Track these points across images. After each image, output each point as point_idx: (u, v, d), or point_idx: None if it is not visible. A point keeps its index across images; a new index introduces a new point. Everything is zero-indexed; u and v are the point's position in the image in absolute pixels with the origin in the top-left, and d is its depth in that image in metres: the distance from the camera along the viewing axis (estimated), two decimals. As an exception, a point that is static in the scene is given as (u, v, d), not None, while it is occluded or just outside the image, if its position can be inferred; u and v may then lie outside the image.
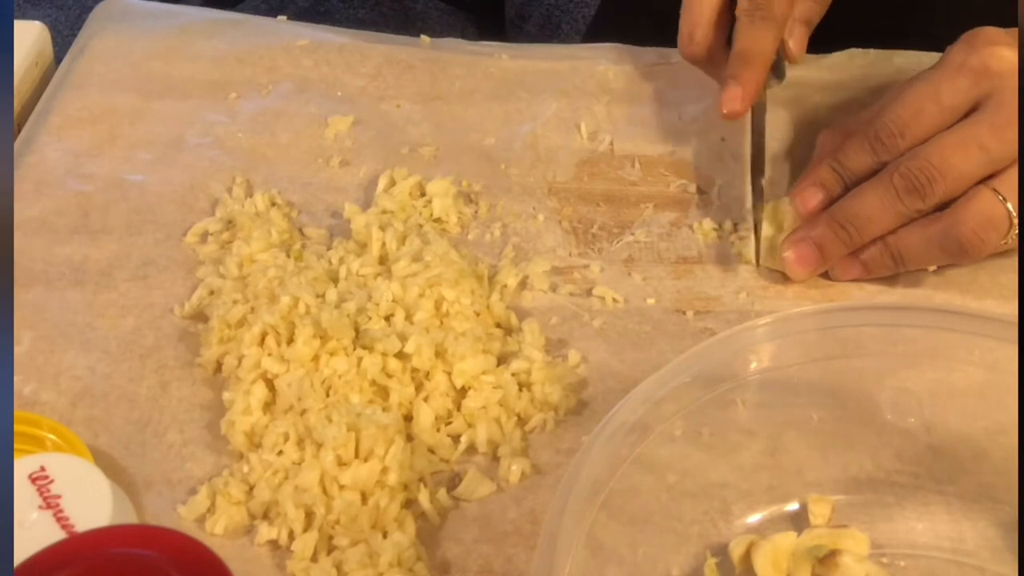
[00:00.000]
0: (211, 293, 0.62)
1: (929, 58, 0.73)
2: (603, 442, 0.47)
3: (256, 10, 0.87)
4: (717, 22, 0.65)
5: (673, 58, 0.76)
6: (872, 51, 0.75)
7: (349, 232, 0.64)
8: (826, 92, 0.73)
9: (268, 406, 0.56)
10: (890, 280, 0.62)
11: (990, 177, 0.58)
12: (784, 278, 0.63)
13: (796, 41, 0.66)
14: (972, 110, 0.59)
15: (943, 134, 0.59)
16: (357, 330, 0.58)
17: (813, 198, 0.62)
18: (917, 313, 0.52)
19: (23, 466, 0.50)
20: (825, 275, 0.63)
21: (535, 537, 0.46)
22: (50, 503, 0.49)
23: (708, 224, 0.66)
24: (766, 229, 0.63)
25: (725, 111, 0.62)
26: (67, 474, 0.50)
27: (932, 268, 0.62)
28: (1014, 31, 0.59)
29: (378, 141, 0.71)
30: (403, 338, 0.57)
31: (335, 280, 0.61)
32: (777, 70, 0.66)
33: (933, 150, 0.58)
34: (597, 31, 0.83)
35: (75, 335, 0.60)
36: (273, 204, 0.67)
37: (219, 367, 0.59)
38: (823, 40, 0.69)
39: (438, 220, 0.66)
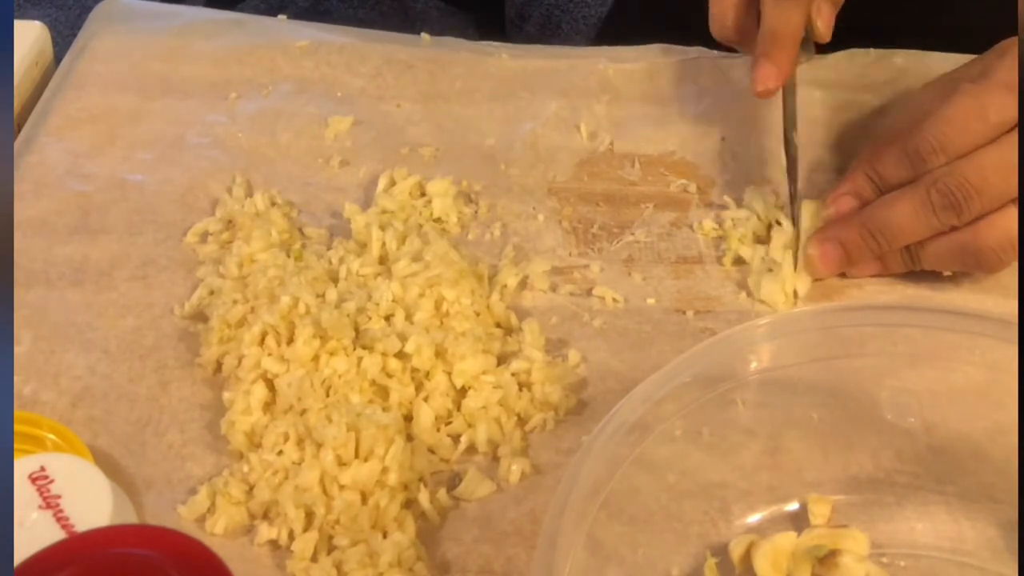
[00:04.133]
0: (211, 293, 0.62)
1: (931, 58, 0.73)
2: (603, 442, 0.47)
3: (256, 10, 0.87)
4: (747, 1, 0.65)
5: (673, 56, 0.76)
6: (872, 51, 0.75)
7: (349, 232, 0.65)
8: (827, 91, 0.73)
9: (268, 406, 0.56)
10: (890, 280, 0.62)
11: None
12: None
13: (823, 19, 0.65)
14: (1015, 124, 0.58)
15: (982, 151, 0.58)
16: (357, 330, 0.58)
17: (847, 206, 0.62)
18: (917, 313, 0.52)
19: (23, 466, 0.50)
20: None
21: (535, 537, 0.46)
22: (50, 503, 0.49)
23: (708, 224, 0.66)
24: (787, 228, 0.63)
25: (759, 89, 0.62)
26: (67, 474, 0.50)
27: (948, 273, 0.61)
28: None
29: (378, 141, 0.71)
30: (403, 338, 0.57)
31: (335, 280, 0.61)
32: (805, 47, 0.65)
33: (972, 168, 0.58)
34: (606, 35, 0.83)
35: (75, 335, 0.60)
36: (273, 204, 0.67)
37: (219, 367, 0.59)
38: None
39: (438, 220, 0.66)
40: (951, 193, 0.58)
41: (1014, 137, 0.58)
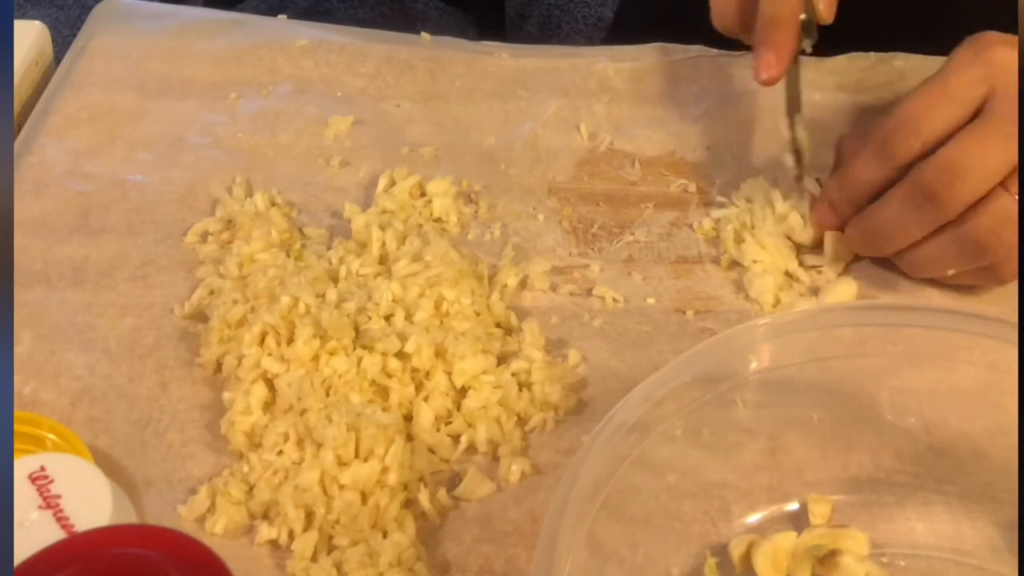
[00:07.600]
0: (211, 293, 0.62)
1: (931, 61, 0.73)
2: (603, 442, 0.47)
3: (256, 10, 0.87)
4: None
5: (673, 56, 0.76)
6: (872, 54, 0.75)
7: (349, 232, 0.65)
8: (826, 94, 0.73)
9: (268, 406, 0.56)
10: (890, 280, 0.62)
11: (1005, 179, 0.56)
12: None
13: (825, 2, 0.64)
14: (983, 104, 0.57)
15: (960, 133, 0.56)
16: (357, 330, 0.58)
17: (826, 218, 0.62)
18: (917, 313, 0.52)
19: (23, 466, 0.50)
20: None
21: (535, 537, 0.46)
22: (50, 503, 0.49)
23: (708, 224, 0.66)
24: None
25: (763, 77, 0.61)
26: (67, 474, 0.50)
27: (951, 272, 0.60)
28: (1016, 38, 0.58)
29: (378, 141, 0.71)
30: (403, 338, 0.57)
31: (335, 280, 0.61)
32: (807, 31, 0.64)
33: (950, 152, 0.56)
34: (615, 38, 0.83)
35: (75, 335, 0.60)
36: (273, 204, 0.67)
37: (219, 367, 0.59)
38: (824, 42, 0.69)
39: (438, 220, 0.66)
40: (933, 179, 0.56)
41: (987, 117, 0.56)
